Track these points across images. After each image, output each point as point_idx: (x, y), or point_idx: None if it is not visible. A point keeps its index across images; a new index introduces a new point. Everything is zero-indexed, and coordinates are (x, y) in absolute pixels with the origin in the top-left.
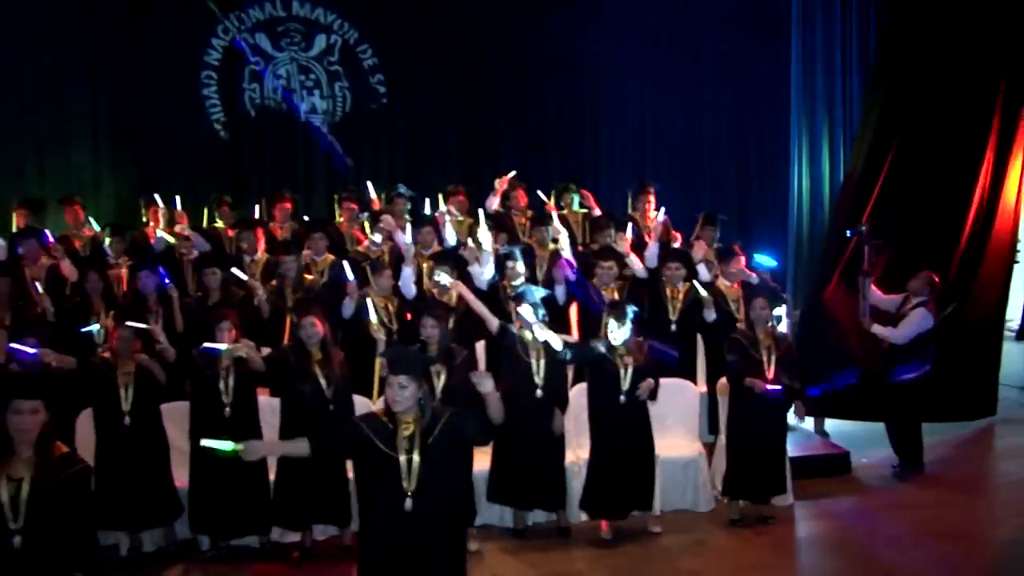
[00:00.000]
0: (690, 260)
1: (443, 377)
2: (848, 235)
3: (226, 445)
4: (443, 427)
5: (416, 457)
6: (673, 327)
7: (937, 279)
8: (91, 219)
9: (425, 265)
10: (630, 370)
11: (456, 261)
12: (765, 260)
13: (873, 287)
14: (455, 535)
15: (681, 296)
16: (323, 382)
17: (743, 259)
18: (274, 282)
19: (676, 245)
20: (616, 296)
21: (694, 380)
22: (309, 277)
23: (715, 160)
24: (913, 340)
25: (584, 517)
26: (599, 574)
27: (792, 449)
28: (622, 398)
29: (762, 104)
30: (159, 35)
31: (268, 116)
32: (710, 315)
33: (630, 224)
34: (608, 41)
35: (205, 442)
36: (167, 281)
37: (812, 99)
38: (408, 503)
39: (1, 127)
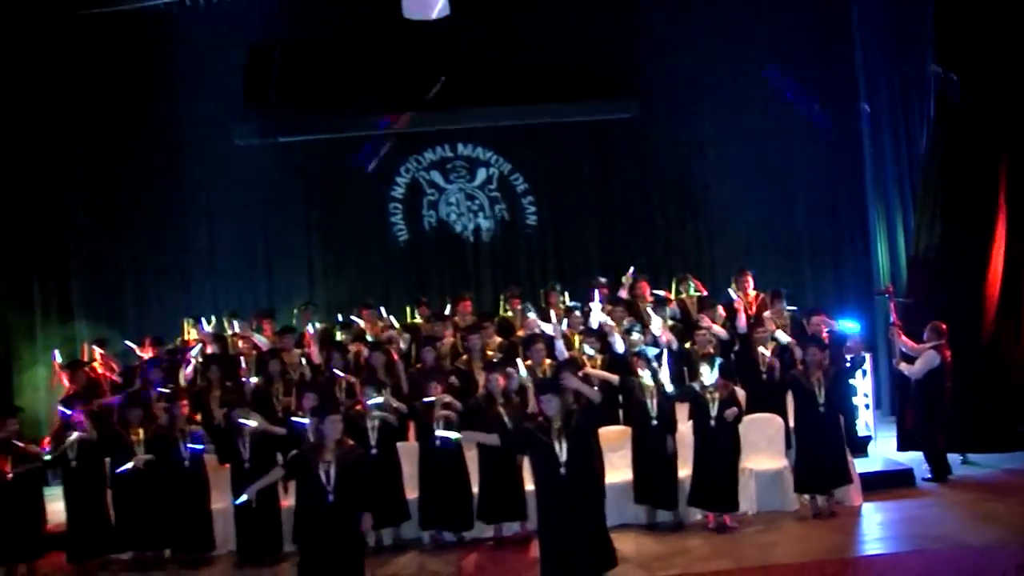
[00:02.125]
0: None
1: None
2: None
3: (454, 435)
4: (574, 423)
5: (564, 442)
6: (764, 375)
7: (944, 327)
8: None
9: (576, 338)
10: (717, 402)
11: (599, 335)
12: (849, 326)
13: (901, 336)
14: (594, 493)
15: (769, 352)
16: (505, 417)
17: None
18: (464, 356)
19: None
20: (712, 351)
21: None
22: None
23: (808, 238)
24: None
25: (696, 513)
26: (706, 548)
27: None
28: (712, 422)
29: (841, 180)
30: (355, 181)
31: (443, 235)
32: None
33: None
34: (711, 152)
35: (442, 433)
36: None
37: (883, 176)
38: (563, 471)
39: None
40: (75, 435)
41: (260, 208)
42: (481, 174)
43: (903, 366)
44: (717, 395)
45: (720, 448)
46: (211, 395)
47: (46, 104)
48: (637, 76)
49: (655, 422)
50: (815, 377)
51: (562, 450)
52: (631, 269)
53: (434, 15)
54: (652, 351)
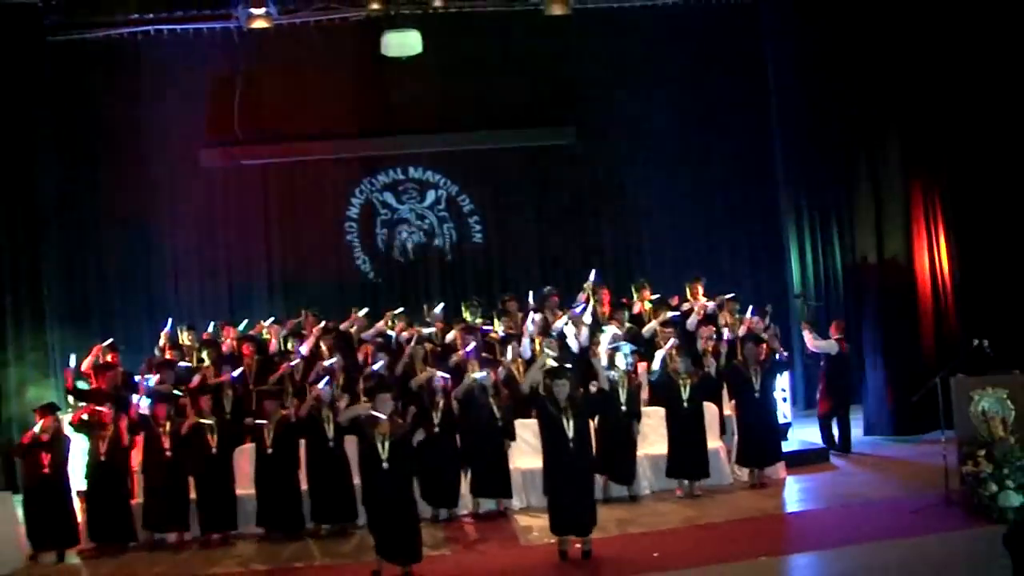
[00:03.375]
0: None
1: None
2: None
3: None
4: (579, 402)
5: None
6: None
7: (843, 324)
8: None
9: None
10: (688, 387)
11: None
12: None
13: (809, 334)
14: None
15: (711, 348)
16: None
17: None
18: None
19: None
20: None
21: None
22: None
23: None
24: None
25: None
26: (676, 515)
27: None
28: (684, 404)
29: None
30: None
31: (397, 252)
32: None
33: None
34: (641, 175)
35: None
36: None
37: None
38: (571, 444)
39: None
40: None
41: (222, 224)
42: (431, 195)
43: (813, 343)
44: (689, 380)
45: (693, 426)
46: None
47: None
48: (574, 106)
49: (624, 408)
50: (753, 368)
51: (569, 427)
52: (592, 274)
53: (411, 53)
54: (627, 347)
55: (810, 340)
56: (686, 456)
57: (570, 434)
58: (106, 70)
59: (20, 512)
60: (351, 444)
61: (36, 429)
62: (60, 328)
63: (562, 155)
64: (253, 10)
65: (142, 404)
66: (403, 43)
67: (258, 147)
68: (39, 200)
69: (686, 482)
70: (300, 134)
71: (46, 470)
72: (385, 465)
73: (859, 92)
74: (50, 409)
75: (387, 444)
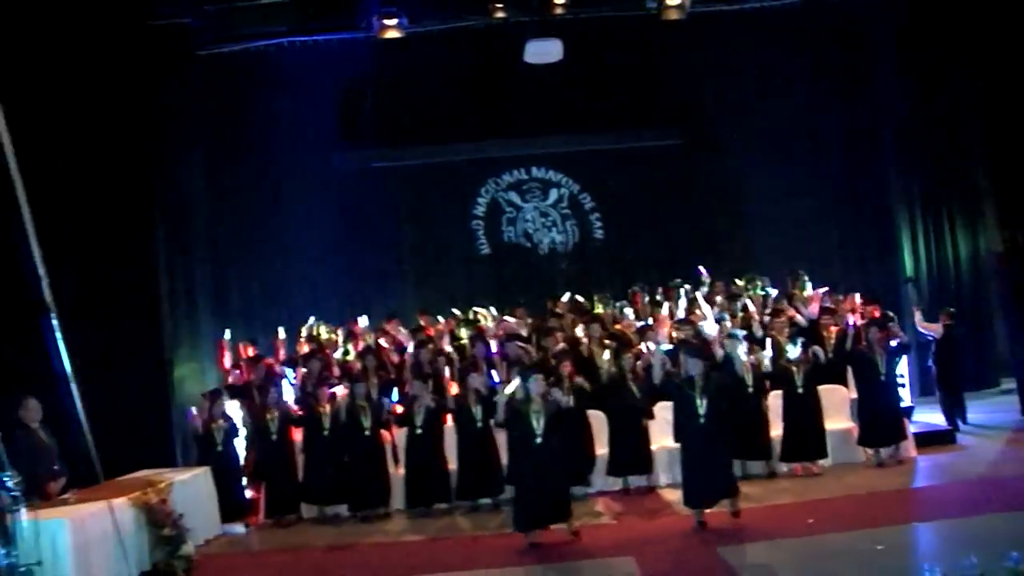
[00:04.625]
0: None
1: None
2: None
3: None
4: (713, 382)
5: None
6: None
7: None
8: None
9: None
10: (801, 373)
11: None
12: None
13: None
14: (727, 437)
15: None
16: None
17: None
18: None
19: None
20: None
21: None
22: None
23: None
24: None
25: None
26: (797, 487)
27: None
28: (799, 389)
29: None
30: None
31: (521, 248)
32: None
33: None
34: (751, 172)
35: None
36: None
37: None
38: (701, 420)
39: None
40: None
41: (355, 223)
42: (553, 194)
43: (921, 324)
44: (802, 368)
45: (808, 409)
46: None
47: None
48: (687, 107)
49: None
50: (878, 352)
51: (702, 404)
52: (702, 270)
53: (552, 60)
54: (740, 333)
55: (920, 322)
56: (800, 438)
57: (702, 411)
58: (246, 81)
59: None
60: None
61: (205, 412)
62: (212, 325)
63: (676, 154)
64: (385, 21)
65: (285, 393)
66: (545, 51)
67: (388, 149)
68: (187, 202)
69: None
70: (428, 137)
71: (219, 448)
72: (539, 440)
73: (970, 80)
74: (216, 394)
75: (541, 420)
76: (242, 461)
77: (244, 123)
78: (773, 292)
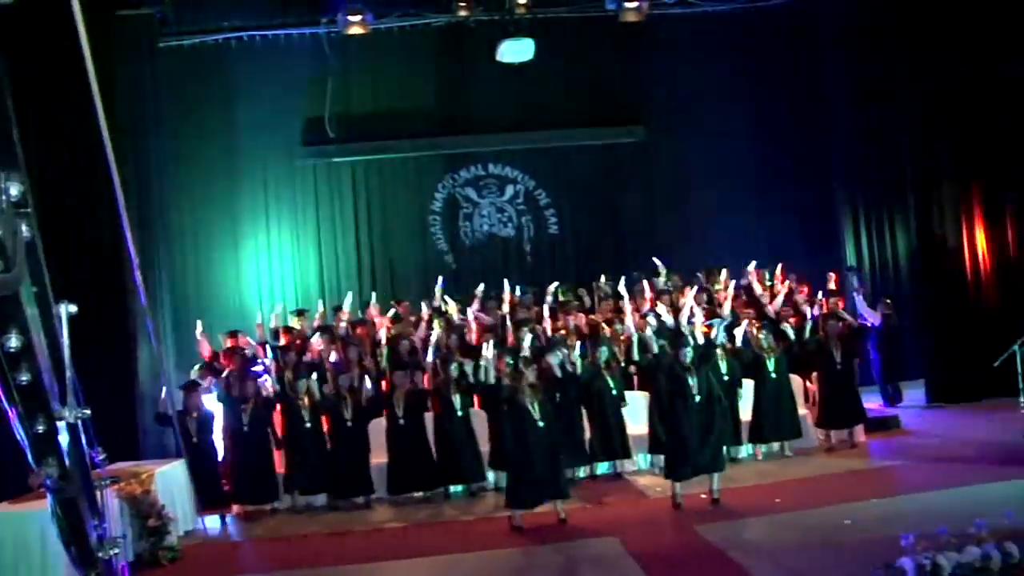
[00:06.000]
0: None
1: None
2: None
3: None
4: (707, 365)
5: (697, 378)
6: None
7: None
8: None
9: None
10: (774, 358)
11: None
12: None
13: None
14: (725, 417)
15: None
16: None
17: None
18: None
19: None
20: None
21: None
22: None
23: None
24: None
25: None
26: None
27: None
28: (772, 375)
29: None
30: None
31: (477, 243)
32: None
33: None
34: (707, 171)
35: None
36: None
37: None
38: (696, 399)
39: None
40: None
41: (316, 219)
42: (509, 190)
43: (862, 307)
44: (773, 354)
45: (781, 394)
46: None
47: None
48: (644, 107)
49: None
50: (834, 342)
51: (694, 383)
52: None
53: (525, 59)
54: (722, 322)
55: (862, 305)
56: (774, 421)
57: (694, 390)
58: (206, 72)
59: None
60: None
61: (180, 404)
62: (172, 316)
63: (632, 153)
64: (351, 17)
65: (267, 384)
66: (518, 50)
67: (349, 144)
68: (147, 193)
69: (775, 445)
70: (388, 133)
71: (195, 439)
72: (541, 424)
73: (909, 85)
74: (192, 386)
75: (536, 405)
76: (219, 452)
77: (207, 116)
78: (731, 284)
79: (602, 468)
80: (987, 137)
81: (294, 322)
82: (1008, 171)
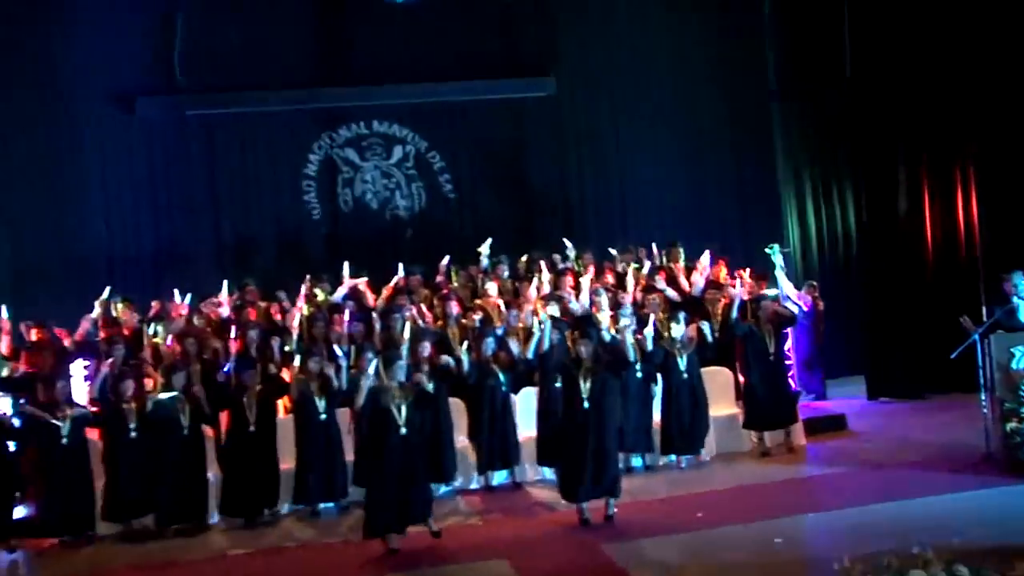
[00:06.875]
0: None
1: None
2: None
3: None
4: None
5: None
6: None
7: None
8: None
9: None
10: (685, 356)
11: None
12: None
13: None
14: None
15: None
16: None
17: None
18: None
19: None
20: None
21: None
22: None
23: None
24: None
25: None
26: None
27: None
28: (684, 375)
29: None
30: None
31: (360, 213)
32: None
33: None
34: (624, 130)
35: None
36: None
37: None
38: (585, 405)
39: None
40: None
41: (163, 183)
42: (397, 152)
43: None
44: (685, 350)
45: (688, 399)
46: None
47: None
48: (554, 57)
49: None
50: (766, 328)
51: (585, 387)
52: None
53: None
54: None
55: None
56: (682, 429)
57: (584, 395)
58: (36, 8)
59: None
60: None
61: None
62: None
63: (540, 109)
64: None
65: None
66: None
67: (204, 95)
68: None
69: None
70: (252, 83)
71: None
72: (403, 431)
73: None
74: None
75: (403, 409)
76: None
77: (32, 58)
78: (647, 265)
79: (499, 478)
80: (938, 106)
81: (121, 311)
82: (960, 142)
